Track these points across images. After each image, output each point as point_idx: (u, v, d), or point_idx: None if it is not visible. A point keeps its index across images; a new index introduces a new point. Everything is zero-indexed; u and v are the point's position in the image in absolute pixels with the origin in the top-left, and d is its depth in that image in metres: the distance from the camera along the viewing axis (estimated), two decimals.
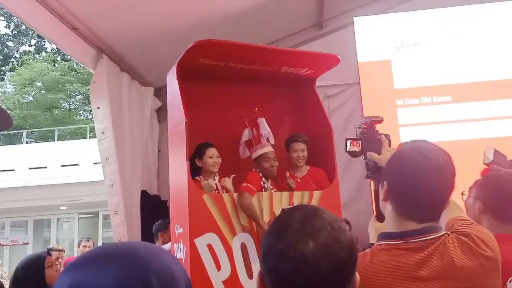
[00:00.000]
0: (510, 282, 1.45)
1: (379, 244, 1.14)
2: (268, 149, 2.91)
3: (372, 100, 4.23)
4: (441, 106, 4.21)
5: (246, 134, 2.99)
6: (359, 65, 4.30)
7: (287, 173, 2.98)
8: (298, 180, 3.04)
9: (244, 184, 2.73)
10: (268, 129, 2.97)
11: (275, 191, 2.87)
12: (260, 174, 2.89)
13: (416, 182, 1.08)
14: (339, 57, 3.00)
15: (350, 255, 0.77)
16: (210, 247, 2.50)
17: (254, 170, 2.90)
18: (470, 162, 4.01)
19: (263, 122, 2.96)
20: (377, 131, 1.47)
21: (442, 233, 1.09)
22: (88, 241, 4.98)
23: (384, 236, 1.15)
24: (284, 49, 3.24)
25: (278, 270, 0.76)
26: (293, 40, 4.54)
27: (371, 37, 4.38)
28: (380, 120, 1.48)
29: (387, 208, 1.17)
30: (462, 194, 1.56)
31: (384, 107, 4.20)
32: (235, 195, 2.66)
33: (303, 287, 0.74)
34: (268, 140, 2.97)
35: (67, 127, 17.74)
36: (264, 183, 2.89)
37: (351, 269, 0.78)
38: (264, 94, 3.24)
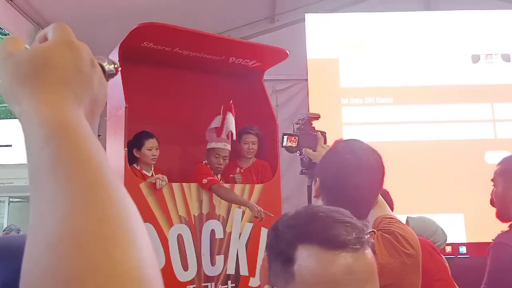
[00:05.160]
0: None
1: None
2: (222, 145, 2.82)
3: (318, 97, 4.29)
4: (383, 107, 4.36)
5: (216, 121, 2.87)
6: (308, 61, 4.35)
7: (238, 169, 2.97)
8: (242, 171, 3.05)
9: (209, 178, 2.67)
10: (232, 127, 2.84)
11: (223, 183, 2.84)
12: (208, 166, 2.84)
13: (346, 179, 1.10)
14: (288, 52, 3.01)
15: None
16: None
17: (203, 161, 2.83)
18: (407, 162, 4.21)
19: (229, 118, 2.84)
20: (313, 127, 1.48)
21: (368, 231, 1.12)
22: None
23: None
24: (232, 39, 3.19)
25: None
26: (244, 31, 4.50)
27: (321, 35, 4.44)
28: (317, 117, 1.49)
29: (318, 205, 1.18)
30: None
31: (329, 104, 4.29)
32: (174, 185, 2.60)
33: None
34: (228, 136, 2.86)
35: (1, 105, 16.60)
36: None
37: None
38: (211, 84, 3.18)
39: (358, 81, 4.37)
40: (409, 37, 4.44)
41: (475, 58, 4.44)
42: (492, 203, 1.62)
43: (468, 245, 4.06)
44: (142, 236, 0.31)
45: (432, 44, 4.43)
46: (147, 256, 0.30)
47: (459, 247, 4.06)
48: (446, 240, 2.39)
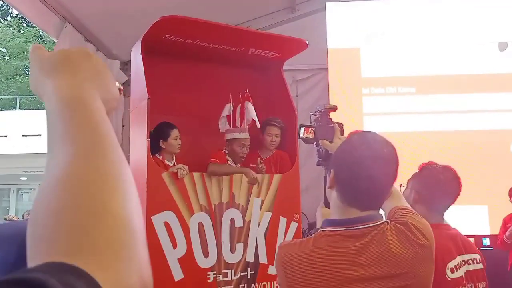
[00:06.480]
0: (448, 268, 1.55)
1: (322, 231, 1.17)
2: (245, 135, 2.87)
3: (338, 87, 4.27)
4: (405, 97, 4.31)
5: (227, 109, 2.90)
6: (328, 51, 4.32)
7: (259, 159, 3.01)
8: (261, 161, 3.08)
9: (212, 159, 2.77)
10: (254, 115, 2.87)
11: None
12: (227, 156, 2.90)
13: (359, 171, 1.12)
14: (307, 42, 3.00)
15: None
16: (167, 224, 2.50)
17: (223, 150, 2.90)
18: (430, 153, 4.16)
19: (250, 107, 2.87)
20: (330, 119, 1.49)
21: (381, 221, 1.14)
22: None
23: (327, 223, 1.19)
24: (251, 30, 3.21)
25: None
26: (264, 21, 4.50)
27: (342, 24, 4.40)
28: (334, 109, 1.50)
29: (333, 196, 1.21)
30: (401, 186, 1.64)
31: (350, 94, 4.26)
32: (195, 174, 2.66)
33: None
34: (249, 124, 2.90)
35: (31, 96, 17.09)
36: (230, 164, 2.90)
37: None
38: (231, 75, 3.21)
39: (380, 70, 4.32)
40: (433, 25, 4.34)
41: (502, 46, 4.32)
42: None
43: (491, 237, 4.00)
44: (130, 188, 0.38)
45: (457, 31, 4.33)
46: (131, 204, 0.36)
47: (483, 239, 4.01)
48: None
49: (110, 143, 0.39)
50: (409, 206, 1.31)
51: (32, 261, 0.31)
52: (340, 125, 1.49)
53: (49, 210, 0.33)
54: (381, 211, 1.24)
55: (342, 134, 1.49)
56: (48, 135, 0.41)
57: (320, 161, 1.49)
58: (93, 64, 0.48)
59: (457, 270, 1.54)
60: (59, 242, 0.31)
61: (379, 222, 1.13)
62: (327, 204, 1.44)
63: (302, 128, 1.47)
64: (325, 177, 1.45)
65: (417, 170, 1.68)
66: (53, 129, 0.40)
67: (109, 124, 0.42)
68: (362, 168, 1.11)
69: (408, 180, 1.68)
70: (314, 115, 1.53)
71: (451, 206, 1.67)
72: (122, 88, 0.53)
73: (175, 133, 2.79)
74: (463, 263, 1.57)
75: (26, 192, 13.69)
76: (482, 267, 1.61)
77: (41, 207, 0.34)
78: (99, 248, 0.31)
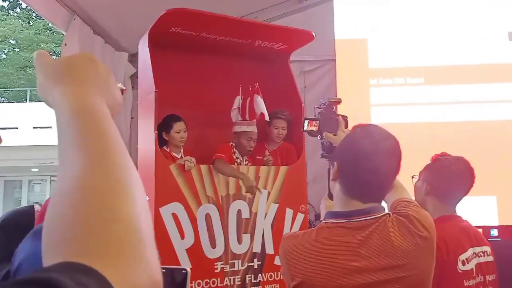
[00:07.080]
0: (460, 261, 1.55)
1: (325, 222, 1.19)
2: (253, 129, 2.88)
3: (346, 78, 4.25)
4: (414, 87, 4.27)
5: (237, 102, 2.91)
6: (336, 42, 4.30)
7: (267, 151, 3.03)
8: (269, 154, 3.09)
9: (218, 154, 2.77)
10: (263, 109, 2.87)
11: (250, 165, 2.91)
12: (234, 148, 2.91)
13: (362, 163, 1.13)
14: (314, 34, 3.00)
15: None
16: (174, 216, 2.54)
17: (230, 142, 2.91)
18: (439, 144, 4.14)
19: (259, 101, 2.87)
20: (335, 112, 1.50)
21: (383, 213, 1.16)
22: None
23: (330, 214, 1.21)
24: (258, 22, 3.21)
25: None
26: (271, 12, 4.47)
27: (350, 15, 4.36)
28: (338, 101, 1.51)
29: (336, 188, 1.22)
30: (412, 177, 1.64)
31: (357, 85, 4.24)
32: (202, 166, 2.68)
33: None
34: (260, 117, 2.90)
35: None
36: (236, 158, 2.92)
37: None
38: (237, 67, 3.22)
39: (387, 61, 4.28)
40: (441, 14, 4.29)
41: None
42: None
43: (500, 228, 3.98)
44: (138, 193, 0.39)
45: (466, 21, 4.27)
46: (140, 208, 0.38)
47: (491, 230, 3.99)
48: None
49: (118, 150, 0.41)
50: (411, 199, 1.32)
51: (47, 260, 0.34)
52: (344, 118, 1.50)
53: (63, 215, 0.35)
54: (384, 204, 1.25)
55: (346, 127, 1.50)
56: (59, 141, 0.42)
57: (324, 154, 1.51)
58: (98, 70, 0.49)
59: (468, 263, 1.54)
60: (73, 245, 0.34)
61: (381, 214, 1.14)
62: (330, 196, 1.46)
63: (306, 121, 1.48)
64: (329, 170, 1.47)
65: (430, 161, 1.67)
66: (63, 136, 0.42)
67: (117, 130, 0.44)
68: (365, 161, 1.12)
69: (420, 172, 1.67)
70: (319, 107, 1.54)
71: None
72: (124, 88, 0.55)
73: (178, 126, 2.79)
74: (474, 255, 1.56)
75: (38, 183, 13.91)
76: (492, 260, 1.61)
77: (56, 213, 0.36)
78: (111, 251, 0.34)
